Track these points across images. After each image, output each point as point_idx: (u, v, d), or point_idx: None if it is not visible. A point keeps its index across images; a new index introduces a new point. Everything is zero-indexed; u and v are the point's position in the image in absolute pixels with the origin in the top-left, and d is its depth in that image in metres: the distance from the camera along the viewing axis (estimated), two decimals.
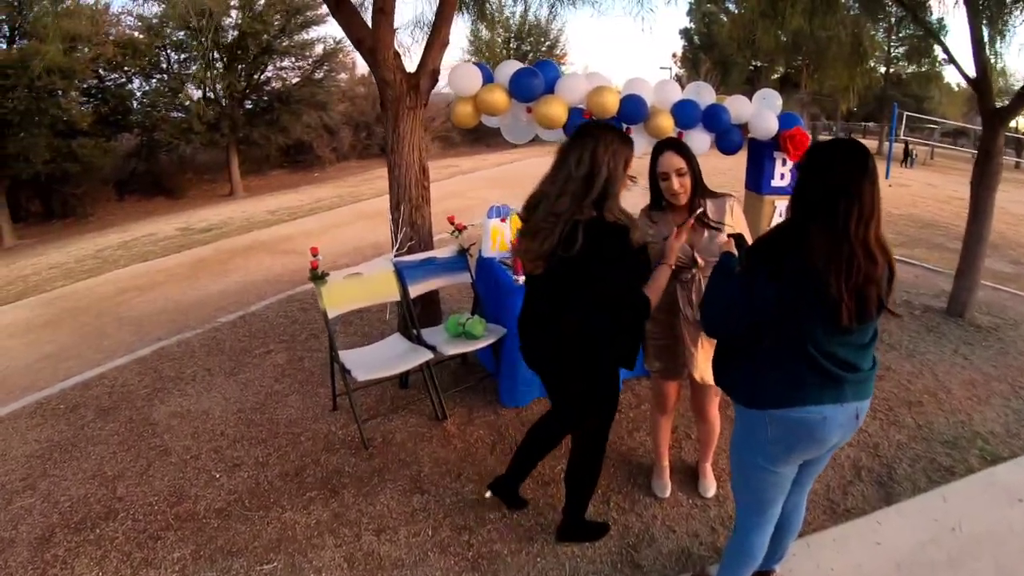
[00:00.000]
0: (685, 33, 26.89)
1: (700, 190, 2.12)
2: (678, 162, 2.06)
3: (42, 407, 3.57)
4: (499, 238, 3.33)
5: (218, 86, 15.39)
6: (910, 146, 18.35)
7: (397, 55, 3.34)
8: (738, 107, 3.54)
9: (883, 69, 20.10)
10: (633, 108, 3.34)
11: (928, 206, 10.52)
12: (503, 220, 3.34)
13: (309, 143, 18.31)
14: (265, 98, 16.65)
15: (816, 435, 1.52)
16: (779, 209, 3.89)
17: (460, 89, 3.23)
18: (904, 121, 18.07)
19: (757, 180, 3.87)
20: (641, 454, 2.77)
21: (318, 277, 2.75)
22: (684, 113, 3.41)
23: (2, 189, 11.61)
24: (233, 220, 10.61)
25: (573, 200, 1.73)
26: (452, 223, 3.38)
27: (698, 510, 2.40)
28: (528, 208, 1.85)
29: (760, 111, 3.56)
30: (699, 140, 3.48)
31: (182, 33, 14.23)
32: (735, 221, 2.16)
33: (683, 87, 3.59)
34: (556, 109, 3.20)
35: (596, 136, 1.78)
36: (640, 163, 2.10)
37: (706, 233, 2.12)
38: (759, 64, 19.54)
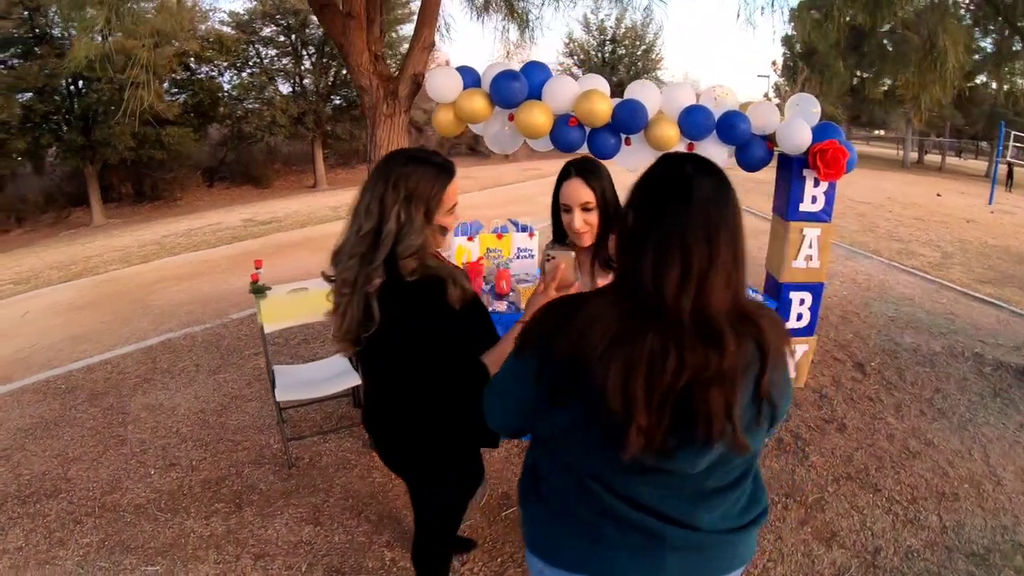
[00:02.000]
0: (786, 40, 25.72)
1: (613, 222, 1.87)
2: (585, 194, 1.82)
3: (47, 385, 4.19)
4: (464, 258, 3.37)
5: (306, 81, 16.90)
6: (1014, 168, 16.78)
7: (378, 60, 3.50)
8: (762, 115, 3.29)
9: (994, 85, 18.00)
10: (628, 115, 3.14)
11: None
12: (470, 239, 3.38)
13: None
14: (353, 94, 17.99)
15: None
16: (809, 239, 3.60)
17: (439, 95, 3.27)
18: (1012, 141, 16.20)
19: (784, 203, 3.58)
20: None
21: (258, 290, 3.00)
22: (692, 122, 3.21)
23: (93, 172, 13.64)
24: (297, 213, 11.57)
25: (361, 264, 1.44)
26: None
27: None
28: (333, 259, 1.55)
29: (791, 120, 3.27)
30: (714, 154, 3.26)
31: (268, 30, 15.83)
32: None
33: (782, 96, 3.43)
34: (538, 117, 3.11)
35: (388, 175, 1.46)
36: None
37: (609, 277, 1.96)
38: (863, 75, 17.94)
